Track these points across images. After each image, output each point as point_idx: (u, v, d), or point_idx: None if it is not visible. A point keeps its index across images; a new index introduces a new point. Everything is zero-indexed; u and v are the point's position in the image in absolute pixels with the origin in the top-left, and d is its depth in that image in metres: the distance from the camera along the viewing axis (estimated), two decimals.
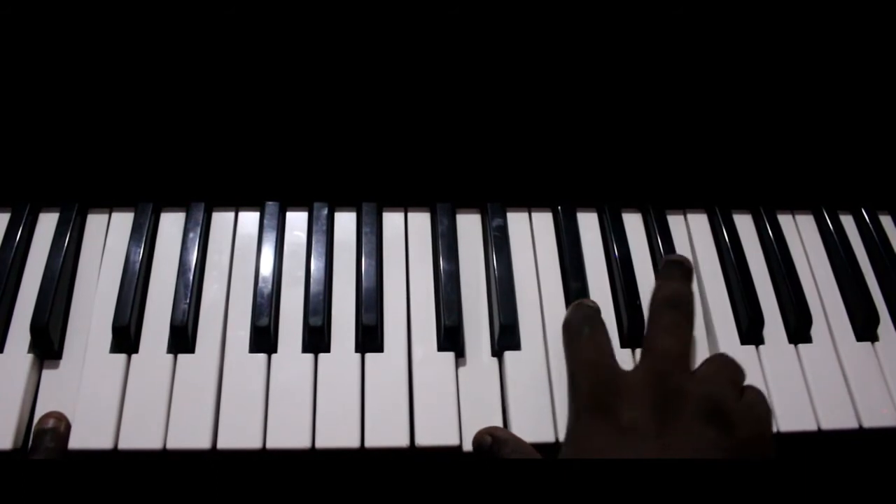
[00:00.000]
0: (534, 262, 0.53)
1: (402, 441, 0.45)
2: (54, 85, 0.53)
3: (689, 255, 0.55)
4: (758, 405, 0.44)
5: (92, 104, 0.53)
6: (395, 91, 0.55)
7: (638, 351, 0.50)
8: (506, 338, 0.49)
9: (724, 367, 0.45)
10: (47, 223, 0.52)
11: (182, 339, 0.48)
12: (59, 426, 0.44)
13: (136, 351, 0.48)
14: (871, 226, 0.57)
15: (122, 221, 0.53)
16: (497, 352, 0.50)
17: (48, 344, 0.47)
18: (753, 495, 0.37)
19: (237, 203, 0.54)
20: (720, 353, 0.47)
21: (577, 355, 0.45)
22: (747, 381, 0.48)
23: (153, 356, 0.47)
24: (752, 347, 0.51)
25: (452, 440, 0.46)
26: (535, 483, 0.38)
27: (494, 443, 0.44)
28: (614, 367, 0.44)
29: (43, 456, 0.43)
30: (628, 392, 0.42)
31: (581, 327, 0.46)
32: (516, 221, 0.55)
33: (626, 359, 0.49)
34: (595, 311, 0.48)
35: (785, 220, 0.57)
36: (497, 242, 0.53)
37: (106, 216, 0.53)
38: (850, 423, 0.48)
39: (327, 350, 0.49)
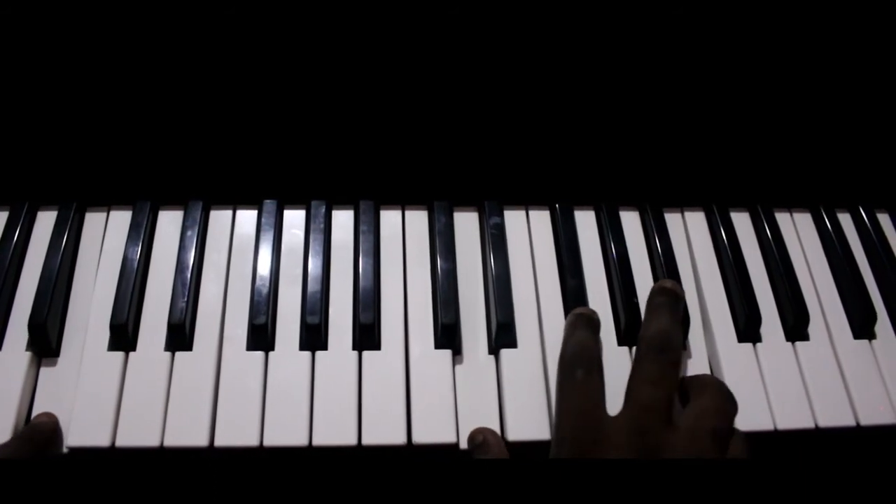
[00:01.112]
0: (531, 261, 0.53)
1: (399, 439, 0.45)
2: (54, 85, 0.53)
3: (686, 254, 0.55)
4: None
5: (90, 103, 0.54)
6: (393, 90, 0.55)
7: (633, 351, 0.50)
8: (503, 336, 0.49)
9: (709, 417, 0.43)
10: (45, 221, 0.52)
11: (180, 336, 0.48)
12: (46, 422, 0.45)
13: (134, 349, 0.48)
14: (868, 224, 0.57)
15: (120, 220, 0.53)
16: (494, 349, 0.50)
17: (46, 342, 0.47)
18: (747, 494, 0.37)
19: (235, 201, 0.54)
20: (712, 387, 0.45)
21: (565, 400, 0.44)
22: (746, 382, 0.49)
23: (151, 354, 0.48)
24: (750, 345, 0.51)
25: (449, 438, 0.46)
26: (531, 483, 0.38)
27: (483, 444, 0.45)
28: (601, 418, 0.43)
29: (12, 450, 0.43)
30: (610, 446, 0.42)
31: (574, 369, 0.45)
32: (514, 220, 0.55)
33: (622, 358, 0.49)
34: (591, 341, 0.47)
35: (783, 219, 0.57)
36: (494, 241, 0.53)
37: (104, 215, 0.53)
38: (848, 421, 0.48)
39: (325, 348, 0.49)
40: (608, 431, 0.42)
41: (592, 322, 0.48)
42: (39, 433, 0.44)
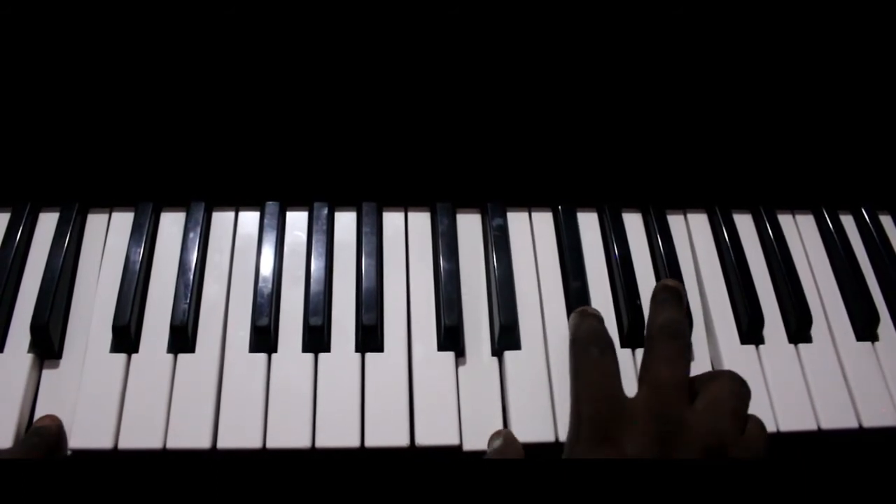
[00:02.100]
0: (534, 262, 0.53)
1: (402, 441, 0.45)
2: (54, 85, 0.53)
3: (689, 256, 0.55)
4: (757, 442, 0.43)
5: (91, 104, 0.53)
6: (395, 91, 0.55)
7: (638, 351, 0.50)
8: (506, 337, 0.49)
9: (727, 397, 0.43)
10: (47, 223, 0.52)
11: (182, 338, 0.48)
12: (51, 426, 0.45)
13: (137, 350, 0.48)
14: (871, 226, 0.57)
15: (123, 221, 0.53)
16: (497, 351, 0.50)
17: (48, 344, 0.47)
18: (749, 495, 0.37)
19: (237, 203, 0.54)
20: (725, 374, 0.45)
21: (583, 378, 0.44)
22: (749, 384, 0.48)
23: (153, 356, 0.48)
24: (752, 347, 0.51)
25: (452, 440, 0.46)
26: (536, 483, 0.38)
27: (502, 446, 0.45)
28: (619, 396, 0.43)
29: (21, 452, 0.43)
30: (631, 423, 0.41)
31: (590, 347, 0.45)
32: (516, 221, 0.55)
33: (625, 358, 0.49)
34: (602, 326, 0.47)
35: (785, 220, 0.57)
36: (497, 242, 0.53)
37: (106, 216, 0.53)
38: (850, 423, 0.48)
39: (327, 350, 0.49)
40: (628, 410, 0.42)
41: (597, 317, 0.49)
42: (45, 436, 0.44)
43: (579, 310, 0.49)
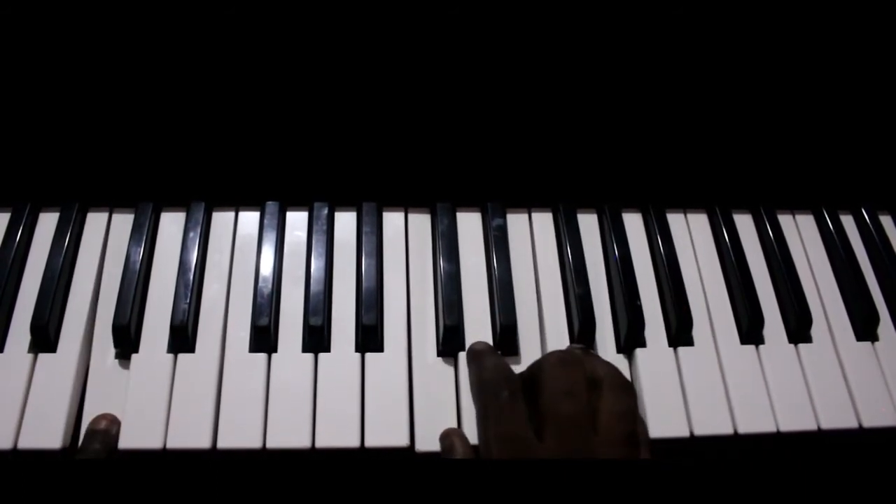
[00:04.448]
0: (533, 262, 0.53)
1: (402, 441, 0.45)
2: (54, 85, 0.53)
3: (689, 256, 0.55)
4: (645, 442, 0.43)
5: (91, 104, 0.53)
6: (395, 91, 0.55)
7: (638, 353, 0.50)
8: (506, 338, 0.49)
9: (622, 416, 0.41)
10: (48, 223, 0.52)
11: (182, 338, 0.48)
12: (111, 429, 0.45)
13: (136, 350, 0.48)
14: (871, 226, 0.57)
15: (123, 221, 0.53)
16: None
17: (48, 343, 0.47)
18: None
19: (237, 203, 0.54)
20: (606, 389, 0.42)
21: (492, 426, 0.42)
22: (749, 384, 0.49)
23: (153, 356, 0.47)
24: (752, 347, 0.51)
25: None
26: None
27: (450, 447, 0.45)
28: (531, 442, 0.41)
29: (91, 456, 0.43)
30: None
31: (499, 391, 0.42)
32: (516, 221, 0.55)
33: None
34: (505, 363, 0.45)
35: (785, 220, 0.57)
36: (497, 242, 0.53)
37: (106, 216, 0.53)
38: (850, 423, 0.48)
39: (327, 350, 0.49)
40: (539, 454, 0.40)
41: (495, 353, 0.47)
42: (112, 440, 0.44)
43: (473, 350, 0.47)
